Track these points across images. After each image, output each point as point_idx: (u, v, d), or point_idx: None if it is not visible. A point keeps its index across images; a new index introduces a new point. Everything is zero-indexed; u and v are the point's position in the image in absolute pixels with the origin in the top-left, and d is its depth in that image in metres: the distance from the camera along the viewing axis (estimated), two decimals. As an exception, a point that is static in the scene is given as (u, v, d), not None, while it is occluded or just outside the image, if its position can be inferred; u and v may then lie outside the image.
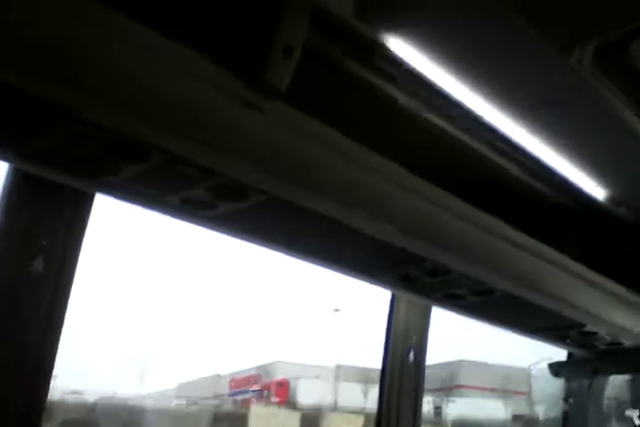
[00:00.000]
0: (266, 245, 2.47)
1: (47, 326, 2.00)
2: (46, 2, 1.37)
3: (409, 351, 3.38)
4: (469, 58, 2.27)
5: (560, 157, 2.86)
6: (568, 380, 4.52)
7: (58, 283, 2.04)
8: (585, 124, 2.62)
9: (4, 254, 1.95)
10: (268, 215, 2.18)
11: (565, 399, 4.50)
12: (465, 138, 2.61)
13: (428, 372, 3.59)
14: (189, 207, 2.10)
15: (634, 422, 4.38)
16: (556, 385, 4.84)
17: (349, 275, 2.81)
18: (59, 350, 2.04)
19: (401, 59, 2.22)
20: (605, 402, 4.61)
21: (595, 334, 3.63)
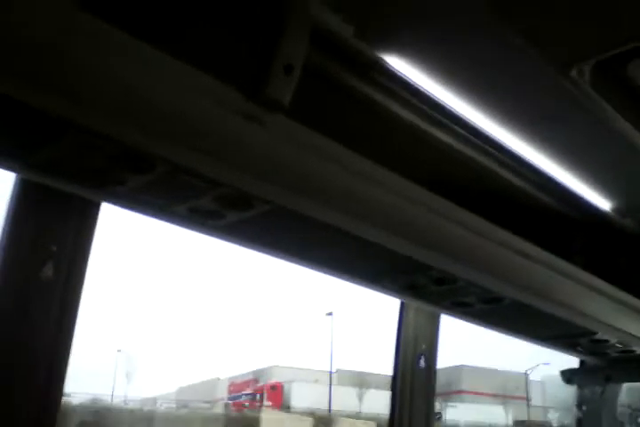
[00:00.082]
0: (273, 254, 2.50)
1: (58, 331, 2.00)
2: (47, 17, 1.40)
3: (419, 358, 3.41)
4: (469, 75, 2.30)
5: (564, 170, 2.88)
6: (580, 387, 4.49)
7: (68, 288, 2.04)
8: (586, 138, 2.64)
9: (14, 260, 1.95)
10: (274, 224, 2.20)
11: (578, 406, 4.48)
12: (468, 151, 2.62)
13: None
14: (198, 217, 2.13)
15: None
16: (567, 392, 4.82)
17: (356, 283, 2.84)
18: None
19: (402, 76, 2.26)
20: (619, 409, 4.59)
21: (606, 341, 3.63)
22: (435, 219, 2.30)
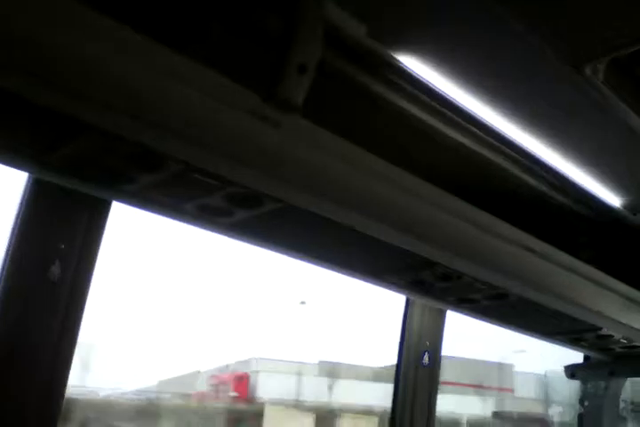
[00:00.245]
0: (281, 252, 2.50)
1: (63, 329, 2.02)
2: (67, 22, 1.39)
3: (423, 354, 3.42)
4: (482, 74, 2.28)
5: (575, 166, 2.87)
6: (584, 382, 4.51)
7: (75, 287, 2.05)
8: (598, 135, 2.63)
9: (22, 258, 1.96)
10: (282, 222, 2.20)
11: (581, 402, 4.50)
12: (481, 149, 2.59)
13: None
14: (207, 215, 2.13)
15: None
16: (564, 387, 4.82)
17: (362, 279, 2.84)
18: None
19: (415, 75, 2.24)
20: (621, 405, 4.61)
21: (611, 337, 3.64)
22: (441, 215, 2.29)
